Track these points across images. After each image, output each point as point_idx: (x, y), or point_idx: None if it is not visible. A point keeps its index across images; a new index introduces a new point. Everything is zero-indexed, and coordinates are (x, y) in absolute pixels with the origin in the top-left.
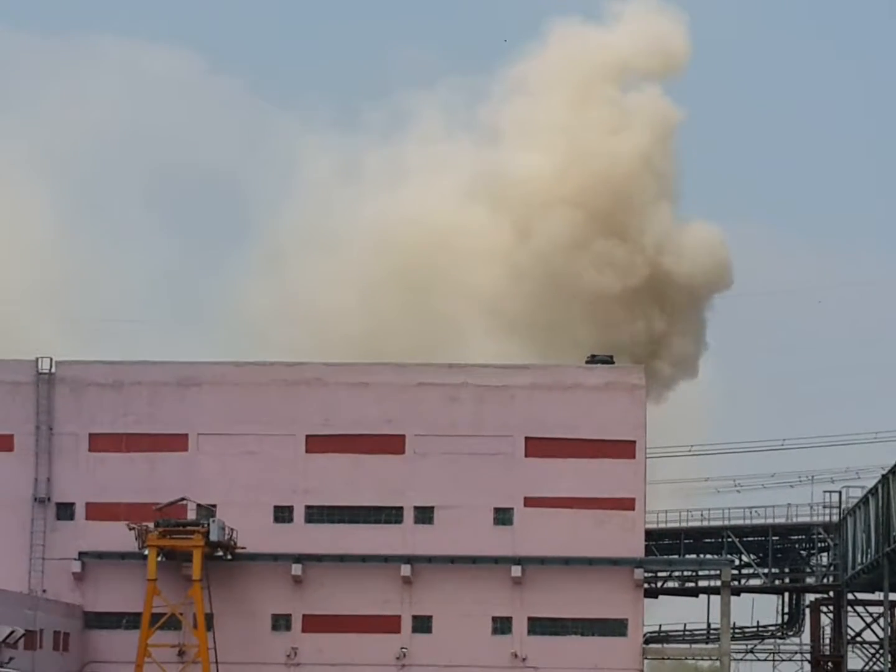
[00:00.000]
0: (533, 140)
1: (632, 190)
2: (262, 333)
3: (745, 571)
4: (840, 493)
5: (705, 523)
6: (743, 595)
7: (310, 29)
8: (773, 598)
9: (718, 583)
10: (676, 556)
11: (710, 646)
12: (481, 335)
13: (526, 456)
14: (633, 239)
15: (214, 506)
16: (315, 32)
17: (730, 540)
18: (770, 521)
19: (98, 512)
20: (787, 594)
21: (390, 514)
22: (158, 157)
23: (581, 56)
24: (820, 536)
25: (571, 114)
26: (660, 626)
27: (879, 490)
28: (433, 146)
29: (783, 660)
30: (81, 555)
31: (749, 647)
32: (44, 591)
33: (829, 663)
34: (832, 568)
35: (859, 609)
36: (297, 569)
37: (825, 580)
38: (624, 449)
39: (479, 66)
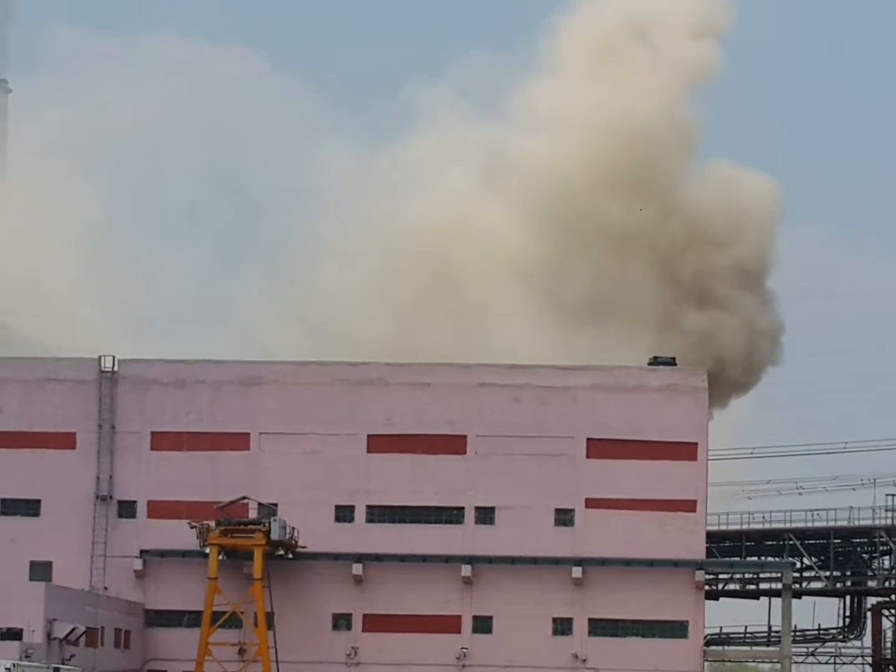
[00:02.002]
0: (555, 110)
1: (665, 153)
2: (290, 334)
3: (806, 574)
4: None
5: (767, 526)
6: (804, 598)
7: (330, 23)
8: (834, 601)
9: (780, 585)
10: (738, 559)
11: (771, 648)
12: (515, 319)
13: (587, 457)
14: (671, 203)
15: (276, 505)
16: (329, 27)
17: (791, 542)
18: (832, 523)
19: (160, 510)
20: (848, 597)
21: (451, 515)
22: (206, 155)
23: (615, 20)
24: (882, 540)
25: (603, 77)
26: (720, 628)
27: None
28: (454, 132)
29: (844, 663)
30: (143, 552)
31: (810, 650)
32: (105, 588)
33: (891, 667)
34: (894, 571)
35: None
36: (357, 568)
37: (887, 583)
38: (685, 451)
39: (504, 41)
